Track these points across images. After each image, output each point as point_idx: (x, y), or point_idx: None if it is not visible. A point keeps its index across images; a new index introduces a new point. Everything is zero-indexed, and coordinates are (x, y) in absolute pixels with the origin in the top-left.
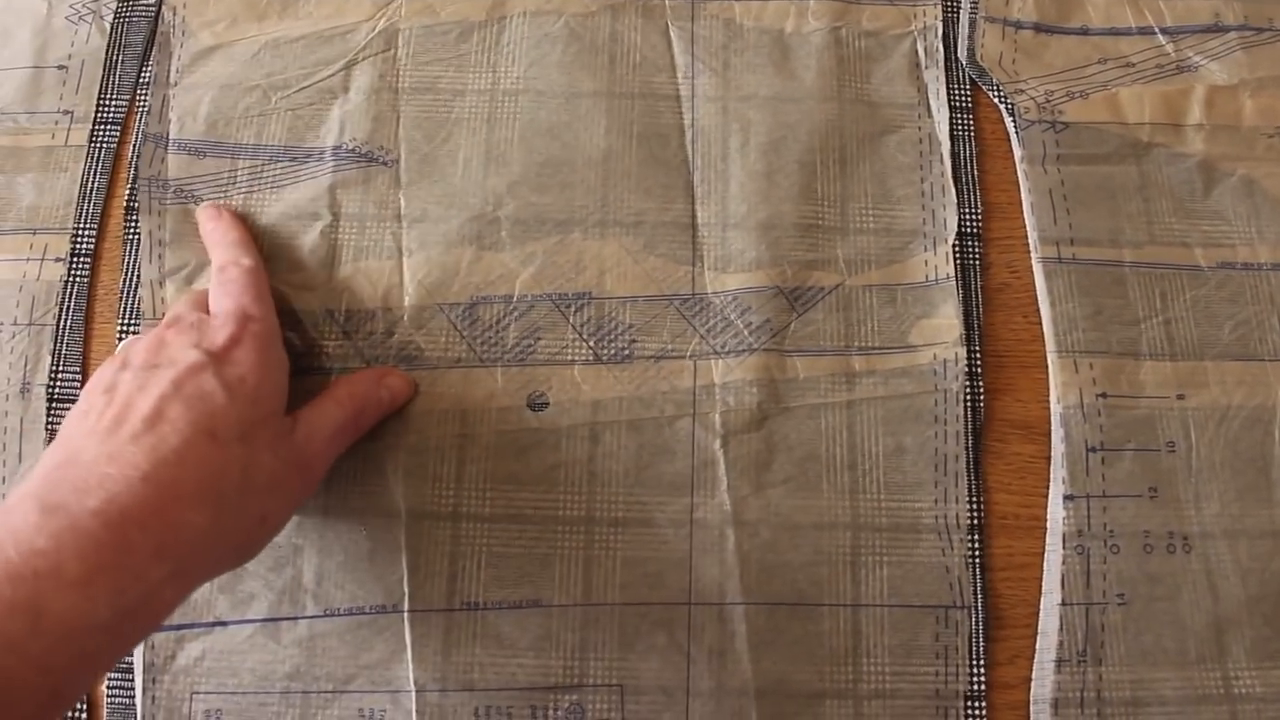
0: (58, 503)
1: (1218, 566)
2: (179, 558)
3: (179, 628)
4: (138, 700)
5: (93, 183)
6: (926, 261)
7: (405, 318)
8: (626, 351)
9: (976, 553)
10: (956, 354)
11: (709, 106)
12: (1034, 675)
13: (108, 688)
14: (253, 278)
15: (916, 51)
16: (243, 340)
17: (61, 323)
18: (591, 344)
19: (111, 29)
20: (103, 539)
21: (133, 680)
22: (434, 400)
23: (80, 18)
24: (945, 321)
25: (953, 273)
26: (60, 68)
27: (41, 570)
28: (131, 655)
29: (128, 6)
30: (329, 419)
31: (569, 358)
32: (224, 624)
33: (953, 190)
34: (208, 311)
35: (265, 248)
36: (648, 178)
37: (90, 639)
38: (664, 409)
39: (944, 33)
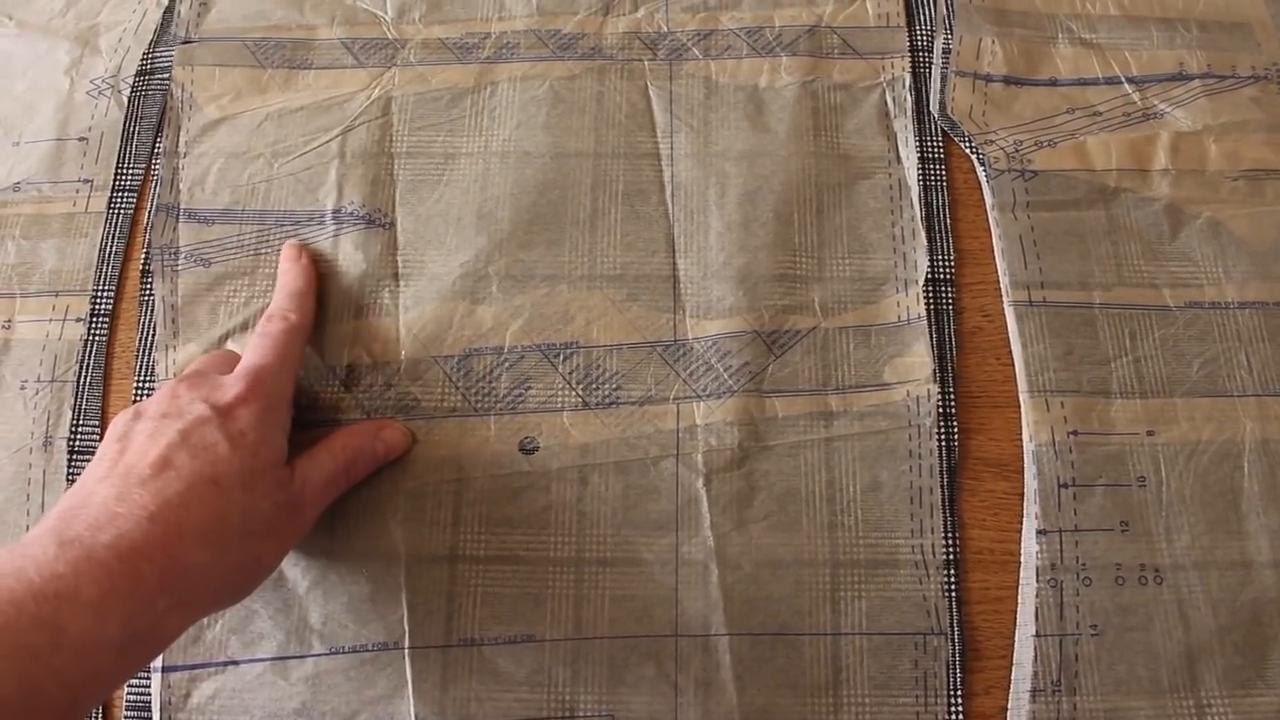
0: (73, 537)
1: (1189, 597)
2: (181, 591)
3: (193, 667)
4: None
5: (111, 247)
6: (899, 303)
7: (402, 370)
8: (612, 397)
9: (953, 586)
10: (929, 390)
11: (688, 162)
12: (1010, 706)
13: None
14: (290, 336)
15: (886, 102)
16: (249, 400)
17: (81, 379)
18: (579, 391)
19: (129, 102)
20: (115, 569)
21: (150, 718)
22: (431, 448)
23: (100, 92)
24: (917, 359)
25: (924, 312)
26: (81, 139)
27: (62, 592)
28: (149, 695)
29: (144, 80)
30: (323, 469)
31: (558, 404)
32: (235, 663)
33: (923, 233)
34: (227, 368)
35: None
36: (630, 232)
37: (103, 658)
38: (649, 450)
39: (914, 85)
